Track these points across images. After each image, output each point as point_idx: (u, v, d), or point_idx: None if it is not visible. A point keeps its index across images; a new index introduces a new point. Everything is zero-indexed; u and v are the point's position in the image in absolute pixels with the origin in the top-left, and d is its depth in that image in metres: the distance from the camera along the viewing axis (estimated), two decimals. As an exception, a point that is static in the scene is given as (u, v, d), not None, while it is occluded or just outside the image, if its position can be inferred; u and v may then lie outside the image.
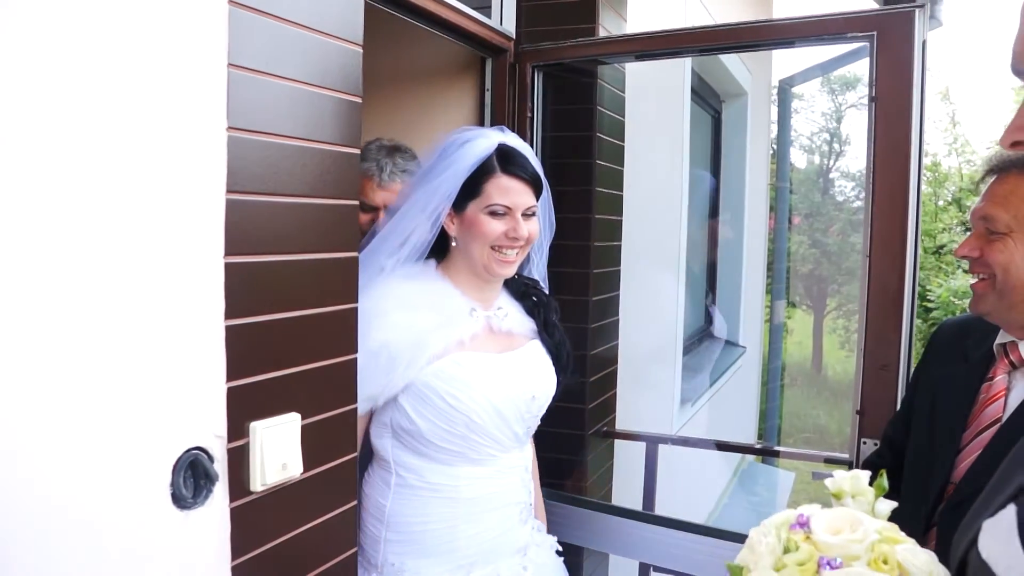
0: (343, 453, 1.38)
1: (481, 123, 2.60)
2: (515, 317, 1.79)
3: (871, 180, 1.90)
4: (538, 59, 2.48)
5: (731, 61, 4.84)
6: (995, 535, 0.68)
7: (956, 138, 14.41)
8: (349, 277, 1.37)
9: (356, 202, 1.37)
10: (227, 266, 1.11)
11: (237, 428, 1.15)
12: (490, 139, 1.69)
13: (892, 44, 1.83)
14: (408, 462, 1.67)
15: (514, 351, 1.74)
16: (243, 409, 1.16)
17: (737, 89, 5.34)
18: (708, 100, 5.13)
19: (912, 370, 1.87)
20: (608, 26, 2.60)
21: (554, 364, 1.81)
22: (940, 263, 11.17)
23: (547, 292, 1.89)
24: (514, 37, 2.51)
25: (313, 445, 1.29)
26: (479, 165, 1.65)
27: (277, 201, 1.19)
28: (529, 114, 2.51)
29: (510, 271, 1.71)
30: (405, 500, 1.66)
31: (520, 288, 1.85)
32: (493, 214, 1.64)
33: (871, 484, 0.88)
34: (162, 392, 1.04)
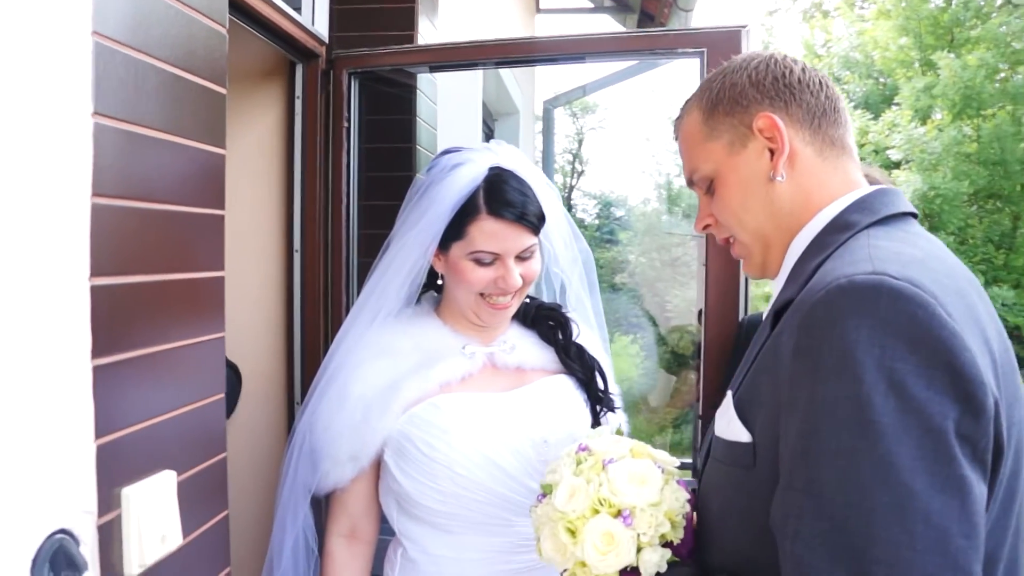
0: (216, 511, 1.16)
1: (291, 134, 2.38)
2: (526, 349, 1.52)
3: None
4: (354, 65, 2.32)
5: (509, 79, 4.95)
6: (721, 414, 1.00)
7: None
8: (215, 302, 1.15)
9: (223, 212, 1.15)
10: (93, 290, 0.87)
11: (107, 497, 0.91)
12: (478, 165, 1.40)
13: (721, 61, 1.93)
14: (410, 530, 1.44)
15: (519, 388, 1.47)
16: (113, 472, 0.91)
17: (511, 108, 5.48)
18: (483, 118, 5.21)
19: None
20: (425, 34, 2.51)
21: (587, 396, 1.53)
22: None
23: (567, 314, 1.59)
24: (327, 41, 2.33)
25: (189, 506, 1.06)
26: (463, 202, 1.38)
27: (146, 208, 0.96)
28: (345, 124, 2.34)
29: (505, 317, 1.48)
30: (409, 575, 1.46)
31: (530, 313, 1.57)
32: (478, 262, 1.39)
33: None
34: (14, 463, 0.78)
